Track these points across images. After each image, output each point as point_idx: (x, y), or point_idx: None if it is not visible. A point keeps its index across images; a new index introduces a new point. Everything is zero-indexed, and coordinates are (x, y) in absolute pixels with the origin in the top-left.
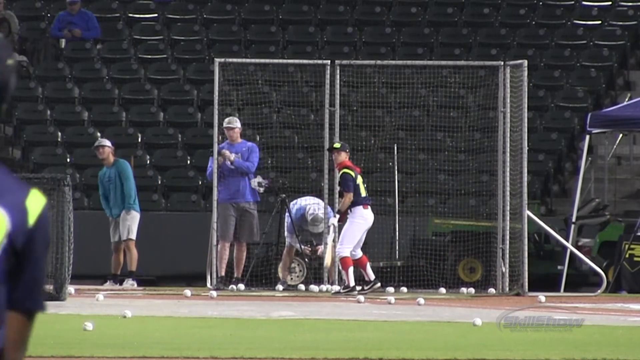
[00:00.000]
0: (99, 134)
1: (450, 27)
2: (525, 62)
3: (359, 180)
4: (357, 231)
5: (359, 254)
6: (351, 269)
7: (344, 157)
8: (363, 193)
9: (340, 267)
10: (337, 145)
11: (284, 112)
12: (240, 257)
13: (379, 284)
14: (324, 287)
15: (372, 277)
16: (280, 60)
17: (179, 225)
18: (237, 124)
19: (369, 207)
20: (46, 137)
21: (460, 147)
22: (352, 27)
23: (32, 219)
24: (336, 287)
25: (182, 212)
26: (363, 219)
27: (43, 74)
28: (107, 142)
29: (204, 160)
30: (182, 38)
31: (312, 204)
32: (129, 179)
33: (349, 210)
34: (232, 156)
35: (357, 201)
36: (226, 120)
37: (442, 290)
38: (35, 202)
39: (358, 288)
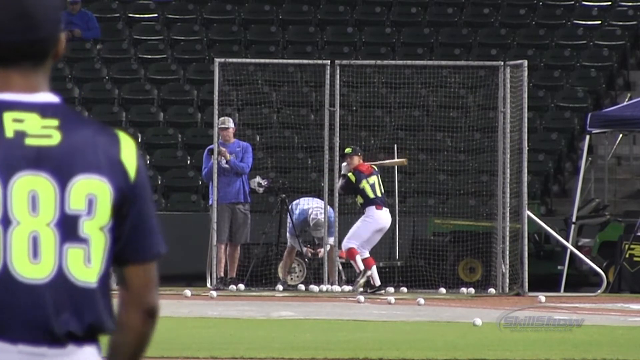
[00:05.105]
0: None
1: (450, 27)
2: (525, 62)
3: (365, 182)
4: (365, 230)
5: (366, 254)
6: (358, 257)
7: (356, 161)
8: (371, 195)
9: (342, 262)
10: (348, 150)
11: (284, 112)
12: (233, 258)
13: (382, 291)
14: (324, 287)
15: (378, 282)
16: (280, 60)
17: (179, 225)
18: (230, 124)
19: (384, 208)
20: None
21: (460, 147)
22: (352, 27)
23: (132, 173)
24: (337, 287)
25: (182, 212)
26: (373, 219)
27: None
28: None
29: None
30: (182, 38)
31: (314, 208)
32: None
33: (363, 211)
34: (228, 155)
35: (368, 202)
36: (220, 120)
37: (442, 290)
38: (129, 152)
39: (346, 289)
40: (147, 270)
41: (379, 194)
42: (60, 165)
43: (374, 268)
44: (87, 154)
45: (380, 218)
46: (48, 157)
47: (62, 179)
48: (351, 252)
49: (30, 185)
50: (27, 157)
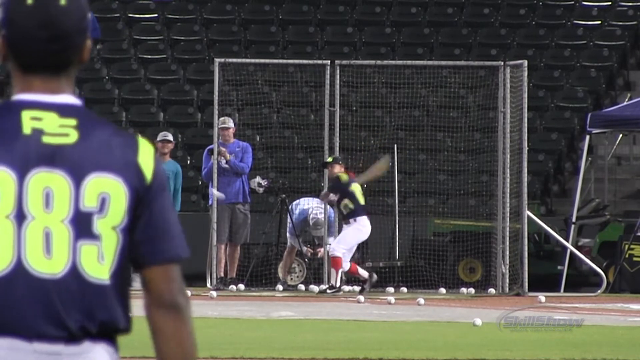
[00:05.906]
0: None
1: (450, 27)
2: (525, 62)
3: (355, 186)
4: (355, 238)
5: (348, 265)
6: (340, 271)
7: (337, 169)
8: (361, 200)
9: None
10: (329, 159)
11: (283, 112)
12: (233, 258)
13: (375, 277)
14: (323, 288)
15: (366, 274)
16: (280, 60)
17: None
18: (230, 124)
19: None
20: None
21: (460, 147)
22: (352, 27)
23: (148, 175)
24: (323, 286)
25: (182, 212)
26: (365, 229)
27: None
28: (172, 138)
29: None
30: (182, 38)
31: (314, 207)
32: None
33: (354, 219)
34: (228, 155)
35: (359, 208)
36: (220, 120)
37: (442, 290)
38: (147, 155)
39: (345, 289)
40: (166, 272)
41: (362, 203)
42: (76, 164)
43: (358, 268)
44: (103, 153)
45: (368, 229)
46: (64, 155)
47: (78, 177)
48: (336, 262)
49: (46, 182)
50: (43, 154)
